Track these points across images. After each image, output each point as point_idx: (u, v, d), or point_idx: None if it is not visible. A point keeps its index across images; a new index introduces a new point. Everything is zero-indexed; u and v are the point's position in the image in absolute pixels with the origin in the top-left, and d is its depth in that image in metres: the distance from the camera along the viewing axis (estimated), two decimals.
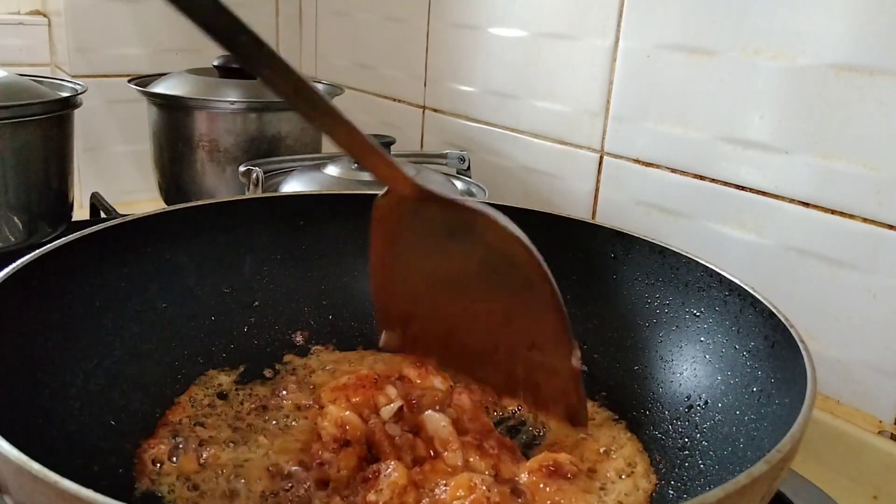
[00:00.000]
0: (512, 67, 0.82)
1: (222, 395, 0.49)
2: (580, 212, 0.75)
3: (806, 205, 0.58)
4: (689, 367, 0.47)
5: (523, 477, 0.41)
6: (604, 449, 0.46)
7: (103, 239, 0.46)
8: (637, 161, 0.70)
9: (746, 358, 0.43)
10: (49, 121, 0.74)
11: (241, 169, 0.71)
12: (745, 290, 0.44)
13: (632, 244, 0.52)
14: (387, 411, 0.45)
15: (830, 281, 0.57)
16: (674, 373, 0.48)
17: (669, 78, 0.66)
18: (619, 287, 0.52)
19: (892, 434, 0.56)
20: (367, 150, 0.40)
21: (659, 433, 0.46)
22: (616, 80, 0.70)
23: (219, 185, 0.85)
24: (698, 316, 0.48)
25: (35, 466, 0.26)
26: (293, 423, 0.47)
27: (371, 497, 0.39)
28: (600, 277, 0.53)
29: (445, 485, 0.39)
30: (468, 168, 0.81)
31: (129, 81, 0.87)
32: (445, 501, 0.39)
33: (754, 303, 0.43)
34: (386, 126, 1.02)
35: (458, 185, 0.76)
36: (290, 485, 0.41)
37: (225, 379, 0.50)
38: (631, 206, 0.71)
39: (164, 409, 0.46)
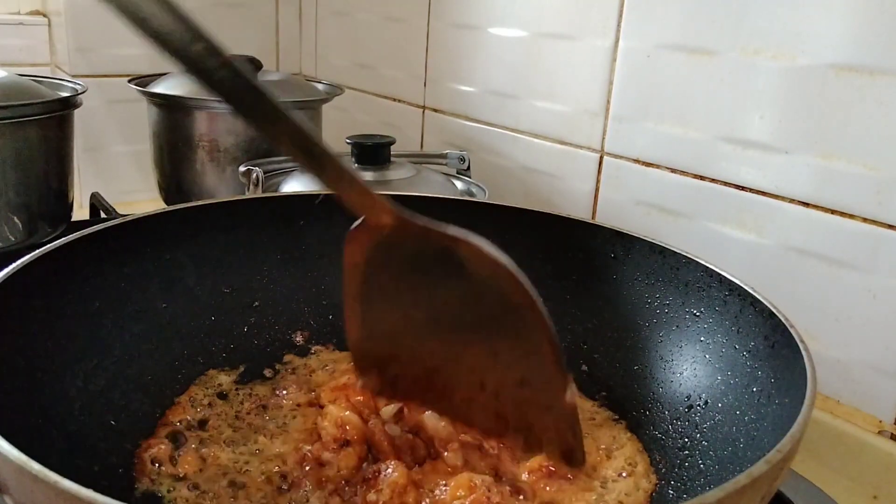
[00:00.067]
0: (512, 67, 0.82)
1: (222, 395, 0.49)
2: (580, 212, 0.75)
3: (806, 205, 0.58)
4: (689, 367, 0.47)
5: (523, 477, 0.41)
6: (604, 449, 0.45)
7: (103, 239, 0.46)
8: (637, 161, 0.70)
9: (746, 358, 0.43)
10: (49, 121, 0.74)
11: (241, 169, 0.71)
12: (745, 290, 0.44)
13: (632, 244, 0.52)
14: (387, 411, 0.45)
15: (830, 281, 0.57)
16: (674, 373, 0.48)
17: (669, 78, 0.66)
18: (619, 287, 0.52)
19: (892, 434, 0.56)
20: (336, 173, 0.36)
21: (659, 433, 0.46)
22: (616, 80, 0.70)
23: (219, 185, 0.85)
24: (698, 316, 0.48)
25: (35, 466, 0.26)
26: (293, 422, 0.47)
27: (371, 497, 0.39)
28: (600, 277, 0.53)
29: (445, 485, 0.39)
30: (468, 168, 0.81)
31: (129, 81, 0.87)
32: (445, 501, 0.39)
33: (754, 303, 0.43)
34: (386, 126, 1.02)
35: (458, 185, 0.76)
36: (289, 485, 0.41)
37: (225, 379, 0.50)
38: (631, 206, 0.71)
39: (164, 409, 0.46)
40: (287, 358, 0.53)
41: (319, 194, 0.62)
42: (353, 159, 0.72)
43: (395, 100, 1.01)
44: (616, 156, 0.72)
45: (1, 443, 0.27)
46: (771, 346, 0.41)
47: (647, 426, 0.47)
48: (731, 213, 0.63)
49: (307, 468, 0.42)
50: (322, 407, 0.47)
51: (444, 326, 0.42)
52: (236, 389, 0.50)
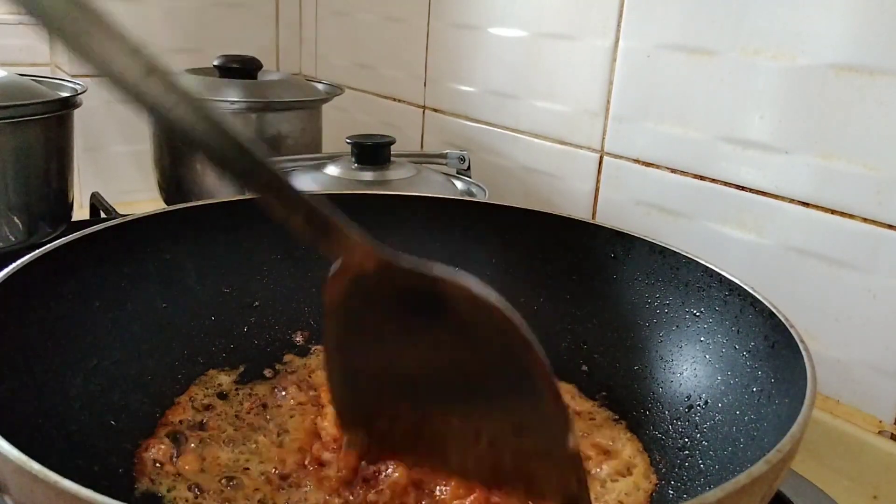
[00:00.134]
0: (512, 67, 0.82)
1: (222, 395, 0.49)
2: (580, 212, 0.75)
3: (806, 205, 0.58)
4: (689, 367, 0.47)
5: None
6: (604, 449, 0.45)
7: (103, 239, 0.46)
8: (637, 161, 0.70)
9: (746, 358, 0.43)
10: (49, 121, 0.74)
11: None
12: (745, 290, 0.44)
13: (632, 244, 0.52)
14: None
15: (830, 281, 0.57)
16: (674, 373, 0.48)
17: (669, 78, 0.66)
18: (619, 287, 0.52)
19: (892, 434, 0.56)
20: (309, 212, 0.33)
21: (659, 433, 0.46)
22: (616, 80, 0.71)
23: (219, 185, 0.85)
24: (698, 316, 0.48)
25: (35, 466, 0.26)
26: (293, 422, 0.47)
27: (371, 497, 0.39)
28: (600, 277, 0.53)
29: (445, 485, 0.39)
30: (468, 168, 0.81)
31: None
32: (445, 501, 0.39)
33: (754, 303, 0.43)
34: (386, 126, 1.02)
35: (458, 185, 0.76)
36: (289, 485, 0.41)
37: (225, 379, 0.50)
38: (631, 206, 0.71)
39: (164, 409, 0.46)
40: (287, 358, 0.53)
41: (318, 194, 0.62)
42: (353, 159, 0.72)
43: (395, 100, 1.01)
44: (616, 156, 0.72)
45: (1, 443, 0.27)
46: (771, 346, 0.41)
47: (647, 426, 0.47)
48: (731, 213, 0.63)
49: (307, 468, 0.42)
50: (322, 407, 0.47)
51: (433, 374, 0.39)
52: (236, 389, 0.50)
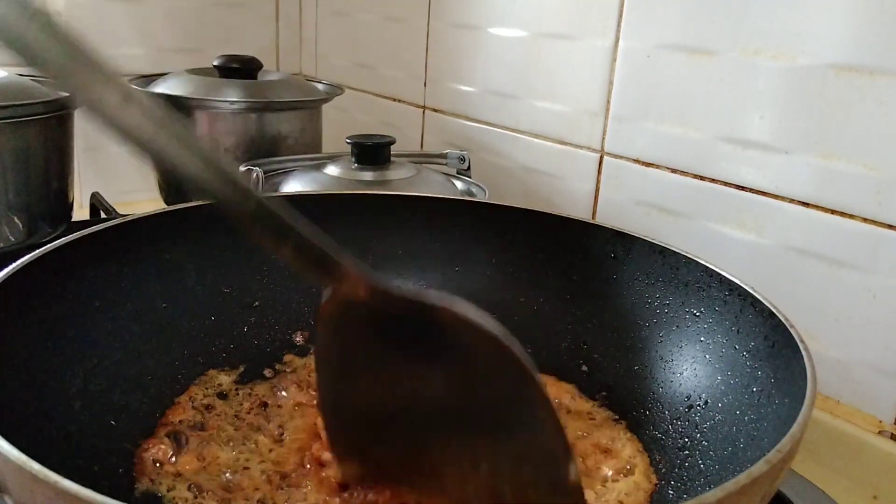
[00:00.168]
0: (512, 67, 0.82)
1: (222, 395, 0.49)
2: (580, 212, 0.75)
3: (806, 205, 0.58)
4: (689, 367, 0.47)
5: None
6: (604, 449, 0.45)
7: (103, 239, 0.46)
8: (637, 161, 0.70)
9: (746, 358, 0.43)
10: (49, 121, 0.74)
11: (241, 169, 0.71)
12: (745, 290, 0.44)
13: (632, 244, 0.52)
14: None
15: (830, 281, 0.57)
16: (674, 373, 0.48)
17: (669, 78, 0.66)
18: (619, 287, 0.52)
19: (892, 434, 0.56)
20: (298, 242, 0.31)
21: (659, 433, 0.46)
22: (616, 80, 0.71)
23: None
24: (698, 316, 0.48)
25: (35, 466, 0.26)
26: (293, 422, 0.47)
27: (370, 497, 0.39)
28: (600, 277, 0.53)
29: None
30: (468, 168, 0.81)
31: (129, 81, 0.87)
32: (446, 502, 0.39)
33: (754, 303, 0.43)
34: (386, 126, 1.02)
35: (458, 185, 0.76)
36: (289, 484, 0.41)
37: (225, 379, 0.50)
38: (631, 206, 0.71)
39: (164, 409, 0.46)
40: (287, 358, 0.53)
41: (315, 194, 0.62)
42: (353, 159, 0.72)
43: (395, 100, 1.01)
44: (616, 156, 0.72)
45: (1, 443, 0.27)
46: (771, 346, 0.41)
47: (647, 426, 0.47)
48: (731, 213, 0.63)
49: (307, 468, 0.42)
50: None
51: (430, 403, 0.37)
52: (236, 389, 0.50)
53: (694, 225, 0.66)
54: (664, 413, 0.47)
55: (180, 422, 0.45)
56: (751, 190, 0.61)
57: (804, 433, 0.32)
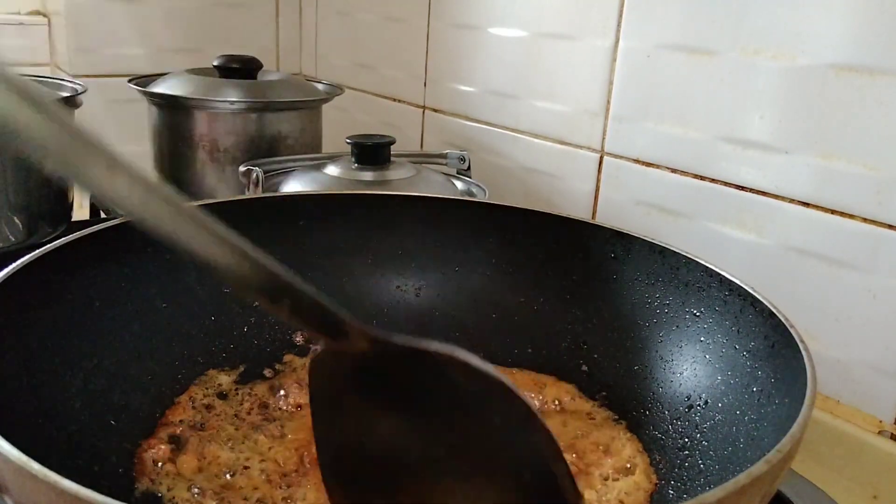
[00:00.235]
0: (512, 67, 0.82)
1: (222, 395, 0.49)
2: (580, 212, 0.75)
3: (806, 205, 0.58)
4: (689, 367, 0.47)
5: None
6: (604, 449, 0.45)
7: (103, 239, 0.46)
8: (637, 161, 0.70)
9: (746, 358, 0.43)
10: None
11: (241, 169, 0.71)
12: (745, 290, 0.44)
13: (632, 244, 0.52)
14: None
15: (830, 281, 0.57)
16: (674, 373, 0.48)
17: (669, 78, 0.66)
18: (619, 287, 0.52)
19: (892, 434, 0.56)
20: (298, 298, 0.30)
21: (659, 433, 0.46)
22: (616, 80, 0.71)
23: (219, 185, 0.85)
24: (698, 316, 0.48)
25: (35, 466, 0.26)
26: (293, 422, 0.47)
27: None
28: (600, 277, 0.53)
29: None
30: (468, 168, 0.81)
31: (129, 81, 0.87)
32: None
33: (754, 303, 0.43)
34: (386, 126, 1.02)
35: (458, 185, 0.76)
36: (289, 484, 0.41)
37: (225, 379, 0.50)
38: (631, 206, 0.71)
39: (164, 409, 0.46)
40: (287, 358, 0.53)
41: (315, 194, 0.62)
42: (353, 159, 0.72)
43: (395, 100, 1.01)
44: (616, 156, 0.72)
45: (1, 443, 0.27)
46: (771, 346, 0.41)
47: (647, 426, 0.47)
48: (731, 213, 0.63)
49: (307, 468, 0.42)
50: None
51: (433, 453, 0.36)
52: (236, 389, 0.50)
53: (694, 225, 0.66)
54: (664, 413, 0.47)
55: (180, 422, 0.45)
56: (751, 190, 0.61)
57: (804, 433, 0.32)
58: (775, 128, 0.59)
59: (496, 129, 0.85)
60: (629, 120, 0.70)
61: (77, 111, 0.79)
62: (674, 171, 0.67)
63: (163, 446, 0.43)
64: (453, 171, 0.81)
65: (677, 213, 0.67)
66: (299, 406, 0.48)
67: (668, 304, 0.50)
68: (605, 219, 0.73)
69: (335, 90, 0.92)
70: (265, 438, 0.45)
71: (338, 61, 1.13)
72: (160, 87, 0.86)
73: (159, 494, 0.40)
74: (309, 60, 1.20)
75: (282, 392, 0.49)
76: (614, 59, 0.70)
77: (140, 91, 0.86)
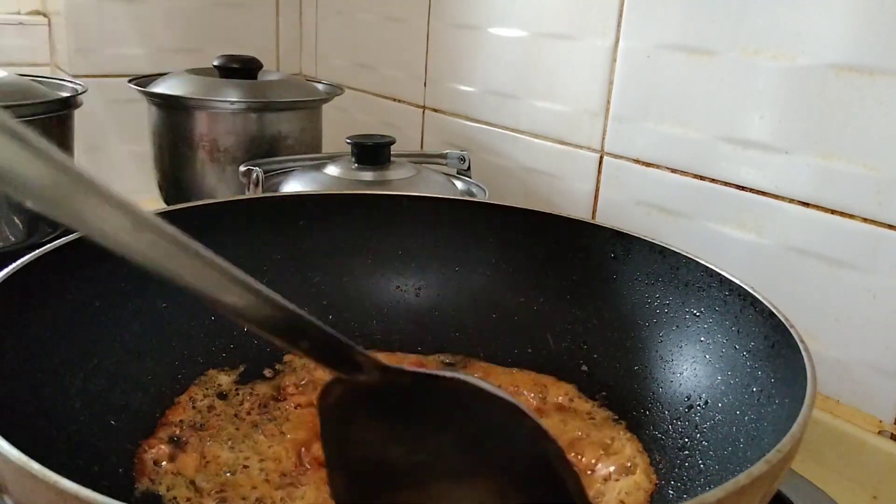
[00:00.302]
0: (512, 67, 0.82)
1: (222, 395, 0.49)
2: (580, 212, 0.75)
3: (806, 205, 0.58)
4: (689, 367, 0.47)
5: None
6: (604, 449, 0.45)
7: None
8: (637, 161, 0.70)
9: (746, 358, 0.43)
10: (49, 121, 0.74)
11: (241, 169, 0.71)
12: (745, 290, 0.44)
13: (632, 244, 0.52)
14: None
15: (830, 281, 0.57)
16: (674, 373, 0.48)
17: (669, 78, 0.66)
18: (619, 287, 0.52)
19: (892, 434, 0.56)
20: (315, 336, 0.30)
21: (659, 433, 0.46)
22: (616, 80, 0.71)
23: (219, 185, 0.85)
24: (698, 316, 0.48)
25: (35, 466, 0.26)
26: (293, 422, 0.47)
27: None
28: (600, 277, 0.53)
29: None
30: (468, 168, 0.81)
31: (129, 81, 0.87)
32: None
33: (754, 303, 0.43)
34: (386, 126, 1.02)
35: (458, 185, 0.76)
36: (289, 484, 0.41)
37: (225, 379, 0.50)
38: (631, 206, 0.71)
39: (164, 409, 0.46)
40: (287, 358, 0.53)
41: (315, 194, 0.62)
42: (353, 159, 0.72)
43: (395, 100, 1.01)
44: (616, 156, 0.72)
45: (1, 443, 0.27)
46: (771, 346, 0.41)
47: (647, 426, 0.47)
48: (731, 213, 0.63)
49: (307, 468, 0.42)
50: None
51: (447, 478, 0.37)
52: (236, 389, 0.50)
53: (694, 225, 0.66)
54: (664, 413, 0.47)
55: (180, 422, 0.45)
56: (751, 190, 0.61)
57: (804, 433, 0.32)
58: (775, 128, 0.59)
59: (496, 129, 0.85)
60: (629, 120, 0.70)
61: (77, 111, 0.79)
62: (674, 171, 0.67)
63: (163, 446, 0.43)
64: (453, 171, 0.81)
65: (677, 213, 0.67)
66: (299, 406, 0.48)
67: (668, 304, 0.50)
68: (605, 219, 0.72)
69: (335, 90, 0.92)
70: (265, 438, 0.45)
71: (338, 61, 1.13)
72: (160, 87, 0.86)
73: (159, 494, 0.40)
74: (309, 60, 1.20)
75: (282, 392, 0.49)
76: (614, 59, 0.70)
77: (140, 91, 0.86)
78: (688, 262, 0.49)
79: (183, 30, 1.09)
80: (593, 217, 0.74)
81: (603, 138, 0.73)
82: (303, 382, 0.50)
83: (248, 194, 0.70)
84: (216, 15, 1.11)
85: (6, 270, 0.39)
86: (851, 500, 0.54)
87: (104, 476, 0.39)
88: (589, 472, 0.43)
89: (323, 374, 0.51)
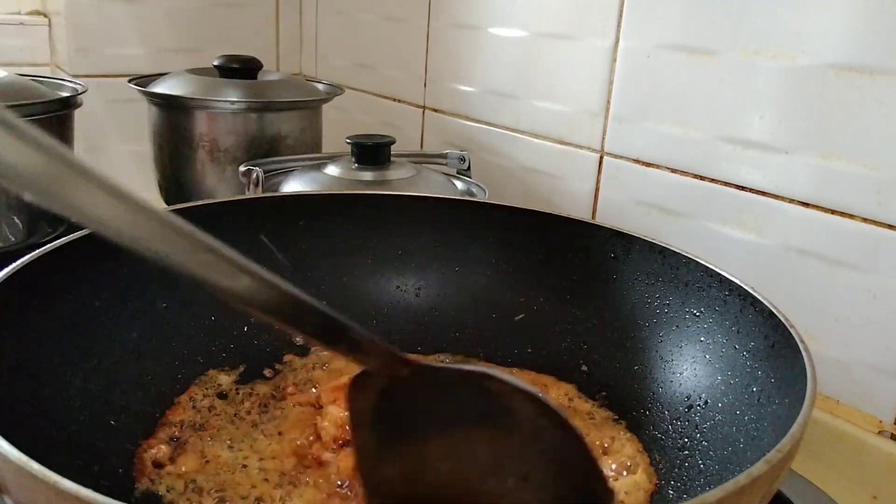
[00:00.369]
0: (512, 67, 0.82)
1: (222, 395, 0.49)
2: (580, 212, 0.75)
3: (806, 205, 0.58)
4: (689, 367, 0.47)
5: None
6: (604, 449, 0.46)
7: (103, 239, 0.46)
8: (637, 161, 0.70)
9: (746, 358, 0.43)
10: (49, 121, 0.74)
11: (241, 169, 0.71)
12: (745, 290, 0.44)
13: (632, 244, 0.52)
14: None
15: (830, 281, 0.57)
16: (674, 373, 0.48)
17: (669, 78, 0.66)
18: (619, 287, 0.52)
19: (892, 434, 0.56)
20: (354, 338, 0.31)
21: (659, 433, 0.46)
22: (616, 80, 0.71)
23: (219, 185, 0.85)
24: (698, 316, 0.48)
25: (35, 466, 0.26)
26: (293, 422, 0.47)
27: None
28: (600, 277, 0.53)
29: None
30: (468, 168, 0.81)
31: (129, 81, 0.87)
32: None
33: (754, 303, 0.43)
34: (386, 126, 1.02)
35: (458, 185, 0.76)
36: (289, 484, 0.41)
37: (225, 379, 0.50)
38: (631, 206, 0.71)
39: (164, 409, 0.46)
40: (287, 358, 0.53)
41: (315, 194, 0.62)
42: (353, 159, 0.72)
43: (395, 100, 1.01)
44: (616, 156, 0.72)
45: (1, 443, 0.27)
46: (771, 346, 0.41)
47: (647, 426, 0.47)
48: (731, 213, 0.63)
49: (307, 468, 0.42)
50: (322, 407, 0.47)
51: (471, 465, 0.37)
52: (236, 389, 0.50)
53: (694, 225, 0.66)
54: (664, 413, 0.47)
55: (180, 422, 0.45)
56: (751, 190, 0.61)
57: (804, 433, 0.32)
58: (775, 128, 0.59)
59: (496, 129, 0.85)
60: (629, 120, 0.70)
61: (77, 111, 0.79)
62: (674, 171, 0.67)
63: (163, 446, 0.43)
64: (453, 171, 0.81)
65: (677, 213, 0.67)
66: (298, 405, 0.48)
67: (668, 304, 0.50)
68: (605, 219, 0.72)
69: (335, 90, 0.92)
70: (264, 438, 0.45)
71: (338, 61, 1.13)
72: (160, 87, 0.86)
73: (159, 494, 0.40)
74: (309, 60, 1.20)
75: (282, 392, 0.49)
76: (614, 59, 0.70)
77: (140, 91, 0.86)
78: (688, 262, 0.49)
79: (183, 30, 1.09)
80: (593, 217, 0.74)
81: (603, 138, 0.73)
82: (303, 382, 0.50)
83: (248, 194, 0.70)
84: (216, 15, 1.11)
85: (6, 270, 0.39)
86: (851, 500, 0.54)
87: (104, 476, 0.39)
88: None
89: (322, 375, 0.51)
